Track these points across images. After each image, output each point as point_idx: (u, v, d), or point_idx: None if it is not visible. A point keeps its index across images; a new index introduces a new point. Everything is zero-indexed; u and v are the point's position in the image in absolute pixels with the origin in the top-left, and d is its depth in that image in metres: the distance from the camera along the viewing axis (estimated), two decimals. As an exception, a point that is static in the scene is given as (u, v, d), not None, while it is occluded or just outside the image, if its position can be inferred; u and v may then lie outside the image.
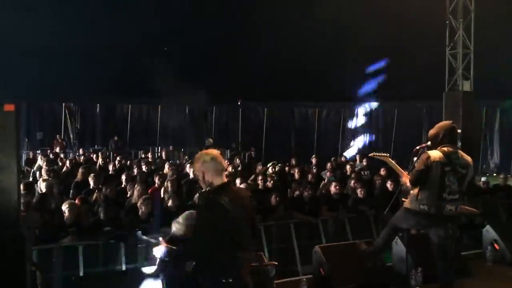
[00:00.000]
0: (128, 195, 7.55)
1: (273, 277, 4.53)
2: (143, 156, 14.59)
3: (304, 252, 6.68)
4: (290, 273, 5.84)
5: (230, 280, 3.20)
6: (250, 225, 3.43)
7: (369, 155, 5.24)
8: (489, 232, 6.54)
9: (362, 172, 10.84)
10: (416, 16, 13.21)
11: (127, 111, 19.03)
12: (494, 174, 15.13)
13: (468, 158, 4.52)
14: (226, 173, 3.48)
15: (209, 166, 3.35)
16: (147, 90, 16.98)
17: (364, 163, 12.65)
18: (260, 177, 8.72)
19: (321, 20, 15.06)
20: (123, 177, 8.51)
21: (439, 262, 4.51)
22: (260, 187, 8.40)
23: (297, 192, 8.08)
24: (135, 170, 9.82)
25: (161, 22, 14.88)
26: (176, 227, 4.03)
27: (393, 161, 5.01)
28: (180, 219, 4.06)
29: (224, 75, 16.33)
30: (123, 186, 8.23)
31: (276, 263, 3.57)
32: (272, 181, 8.53)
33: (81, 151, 14.66)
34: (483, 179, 9.82)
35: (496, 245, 6.36)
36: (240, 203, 3.33)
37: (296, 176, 9.99)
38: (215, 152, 3.51)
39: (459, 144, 10.32)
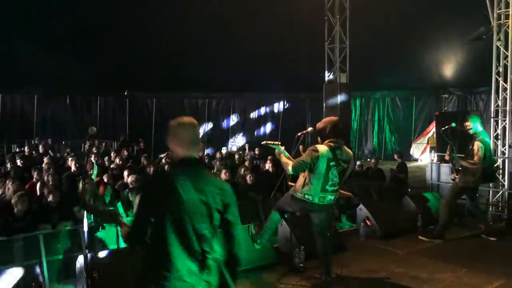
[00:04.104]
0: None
1: None
2: (17, 150, 13.37)
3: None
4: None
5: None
6: (214, 225, 2.56)
7: (262, 143, 5.38)
8: (362, 210, 7.21)
9: (255, 161, 11.22)
10: (299, 11, 13.88)
11: (-2, 101, 17.18)
12: (368, 159, 16.62)
13: (350, 153, 4.90)
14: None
15: (174, 133, 2.67)
16: (21, 78, 15.53)
17: (257, 151, 13.08)
18: (152, 169, 8.56)
19: (205, 14, 15.09)
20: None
21: (318, 239, 4.89)
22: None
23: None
24: (8, 165, 8.99)
25: (38, 6, 13.57)
26: None
27: (283, 149, 5.24)
28: None
29: (109, 64, 15.55)
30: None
31: None
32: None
33: None
34: (358, 163, 10.76)
35: (368, 222, 7.05)
36: (204, 188, 2.55)
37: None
38: (189, 119, 2.75)
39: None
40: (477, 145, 6.60)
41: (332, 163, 4.63)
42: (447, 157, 6.95)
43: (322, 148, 4.67)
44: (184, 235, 2.49)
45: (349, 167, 4.81)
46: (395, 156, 11.27)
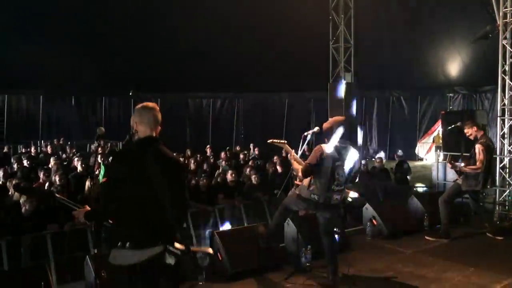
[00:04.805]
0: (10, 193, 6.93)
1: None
2: (23, 150, 13.45)
3: (201, 240, 6.79)
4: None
5: (127, 245, 2.85)
6: (173, 196, 2.93)
7: (268, 141, 5.40)
8: (368, 209, 7.20)
9: (256, 161, 11.25)
10: (304, 11, 13.87)
11: (3, 102, 17.27)
12: (373, 159, 16.58)
13: (356, 152, 4.90)
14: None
15: (139, 114, 3.08)
16: (26, 79, 15.60)
17: (257, 152, 13.12)
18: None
19: (209, 14, 15.12)
20: (1, 173, 7.80)
21: (324, 238, 4.89)
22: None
23: (193, 182, 8.11)
24: (15, 166, 9.06)
25: (43, 7, 13.60)
26: None
27: (290, 148, 5.28)
28: None
29: (114, 65, 15.60)
30: (1, 183, 7.55)
31: (211, 251, 3.46)
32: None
33: None
34: (363, 162, 10.74)
35: (374, 221, 7.03)
36: (164, 164, 2.96)
37: (192, 166, 10.00)
38: (152, 103, 3.25)
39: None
40: (478, 148, 6.54)
41: (338, 163, 4.65)
42: (449, 166, 6.90)
43: (328, 147, 4.68)
44: (148, 207, 2.87)
45: (354, 167, 4.82)
46: (395, 156, 11.28)
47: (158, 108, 3.18)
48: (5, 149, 13.04)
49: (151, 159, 2.90)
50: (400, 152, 11.60)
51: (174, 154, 11.11)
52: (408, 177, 11.04)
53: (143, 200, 2.88)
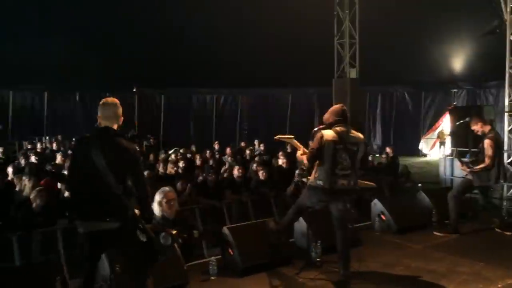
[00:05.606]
0: (17, 188, 6.94)
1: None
2: (29, 146, 13.45)
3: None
4: (196, 257, 5.85)
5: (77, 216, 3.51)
6: (120, 177, 3.42)
7: (275, 137, 5.42)
8: (376, 205, 7.20)
9: (263, 157, 11.24)
10: (309, 6, 13.84)
11: (8, 98, 17.29)
12: (377, 155, 16.56)
13: (359, 135, 4.92)
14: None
15: (99, 109, 3.58)
16: (31, 75, 15.61)
17: (262, 147, 13.11)
18: (162, 165, 8.62)
19: (212, 10, 15.10)
20: (9, 169, 7.81)
21: (338, 231, 4.88)
22: (160, 173, 8.32)
23: (200, 178, 8.12)
24: (22, 162, 9.08)
25: (48, 4, 13.56)
26: None
27: (298, 143, 5.30)
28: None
29: (118, 61, 15.58)
30: (9, 179, 7.56)
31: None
32: (175, 168, 8.49)
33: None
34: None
35: (383, 216, 7.04)
36: (108, 148, 3.41)
37: (198, 162, 10.02)
38: (112, 99, 3.69)
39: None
40: (487, 143, 6.52)
41: (339, 146, 4.67)
42: (460, 166, 6.87)
43: (328, 132, 4.77)
44: (93, 184, 3.39)
45: (359, 150, 4.80)
46: (387, 150, 11.22)
47: (117, 102, 3.65)
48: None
49: (97, 143, 3.39)
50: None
51: (174, 148, 11.14)
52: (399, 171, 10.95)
53: (88, 177, 3.40)
